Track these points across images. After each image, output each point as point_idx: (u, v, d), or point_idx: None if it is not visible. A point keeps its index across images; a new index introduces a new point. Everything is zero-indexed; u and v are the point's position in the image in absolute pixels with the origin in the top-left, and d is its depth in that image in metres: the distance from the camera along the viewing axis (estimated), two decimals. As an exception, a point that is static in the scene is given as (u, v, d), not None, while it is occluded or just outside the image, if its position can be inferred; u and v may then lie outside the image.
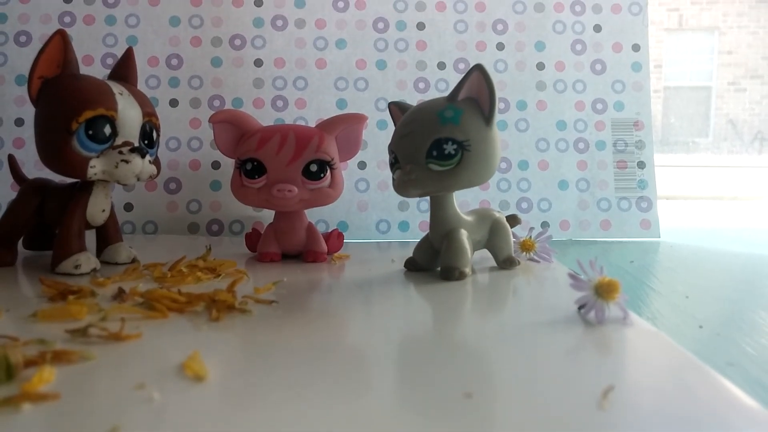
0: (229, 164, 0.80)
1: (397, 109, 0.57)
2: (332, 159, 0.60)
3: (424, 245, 0.56)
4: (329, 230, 0.67)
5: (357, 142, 0.63)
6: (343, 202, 0.81)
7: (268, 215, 0.70)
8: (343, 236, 0.67)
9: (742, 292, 0.57)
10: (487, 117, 0.50)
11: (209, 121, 0.61)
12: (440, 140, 0.49)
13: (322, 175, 0.59)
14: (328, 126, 0.61)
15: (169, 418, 0.25)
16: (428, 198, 0.54)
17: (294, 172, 0.58)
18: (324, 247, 0.62)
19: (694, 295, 0.54)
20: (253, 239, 0.66)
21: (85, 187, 0.55)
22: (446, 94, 0.52)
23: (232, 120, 0.61)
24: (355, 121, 0.62)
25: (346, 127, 0.61)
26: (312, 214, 0.65)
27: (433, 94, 0.85)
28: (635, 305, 0.49)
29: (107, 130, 0.51)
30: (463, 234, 0.53)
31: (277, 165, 0.58)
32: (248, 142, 0.59)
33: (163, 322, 0.38)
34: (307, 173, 0.59)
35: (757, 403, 0.26)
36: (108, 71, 0.59)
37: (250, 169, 0.59)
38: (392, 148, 0.53)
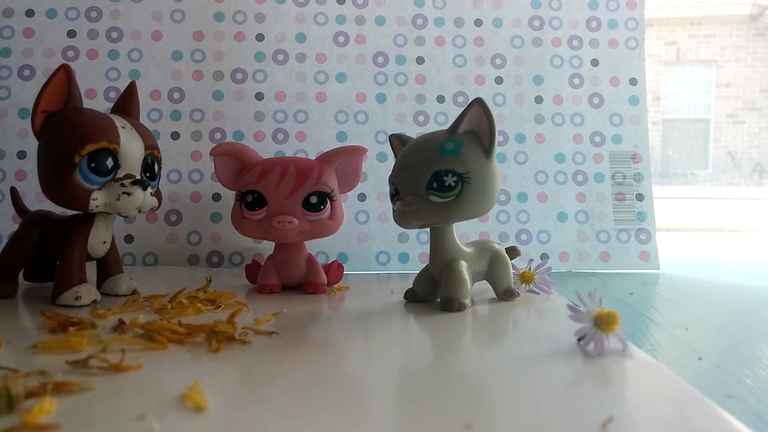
0: (229, 196, 0.80)
1: (397, 141, 0.57)
2: (332, 191, 0.60)
3: (424, 277, 0.56)
4: (329, 262, 0.67)
5: (357, 174, 0.63)
6: (343, 234, 0.81)
7: (268, 247, 0.71)
8: (343, 268, 0.67)
9: (741, 324, 0.57)
10: (487, 150, 0.50)
11: (210, 153, 0.62)
12: (440, 172, 0.50)
13: (322, 206, 0.60)
14: (328, 158, 0.62)
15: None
16: (428, 229, 0.55)
17: (294, 203, 0.59)
18: (324, 278, 0.62)
19: (693, 327, 0.54)
20: (253, 271, 0.66)
21: (87, 219, 0.56)
22: (445, 127, 0.52)
23: (233, 153, 0.62)
24: (355, 153, 0.62)
25: (346, 160, 0.62)
26: (312, 246, 0.65)
27: (432, 127, 0.85)
28: (634, 337, 0.49)
29: (109, 162, 0.52)
30: (463, 265, 0.54)
31: (278, 197, 0.59)
32: (249, 175, 0.60)
33: (164, 353, 0.38)
34: (307, 205, 0.59)
35: (757, 434, 0.26)
36: (111, 105, 0.59)
37: (250, 200, 0.59)
38: (393, 180, 0.54)
